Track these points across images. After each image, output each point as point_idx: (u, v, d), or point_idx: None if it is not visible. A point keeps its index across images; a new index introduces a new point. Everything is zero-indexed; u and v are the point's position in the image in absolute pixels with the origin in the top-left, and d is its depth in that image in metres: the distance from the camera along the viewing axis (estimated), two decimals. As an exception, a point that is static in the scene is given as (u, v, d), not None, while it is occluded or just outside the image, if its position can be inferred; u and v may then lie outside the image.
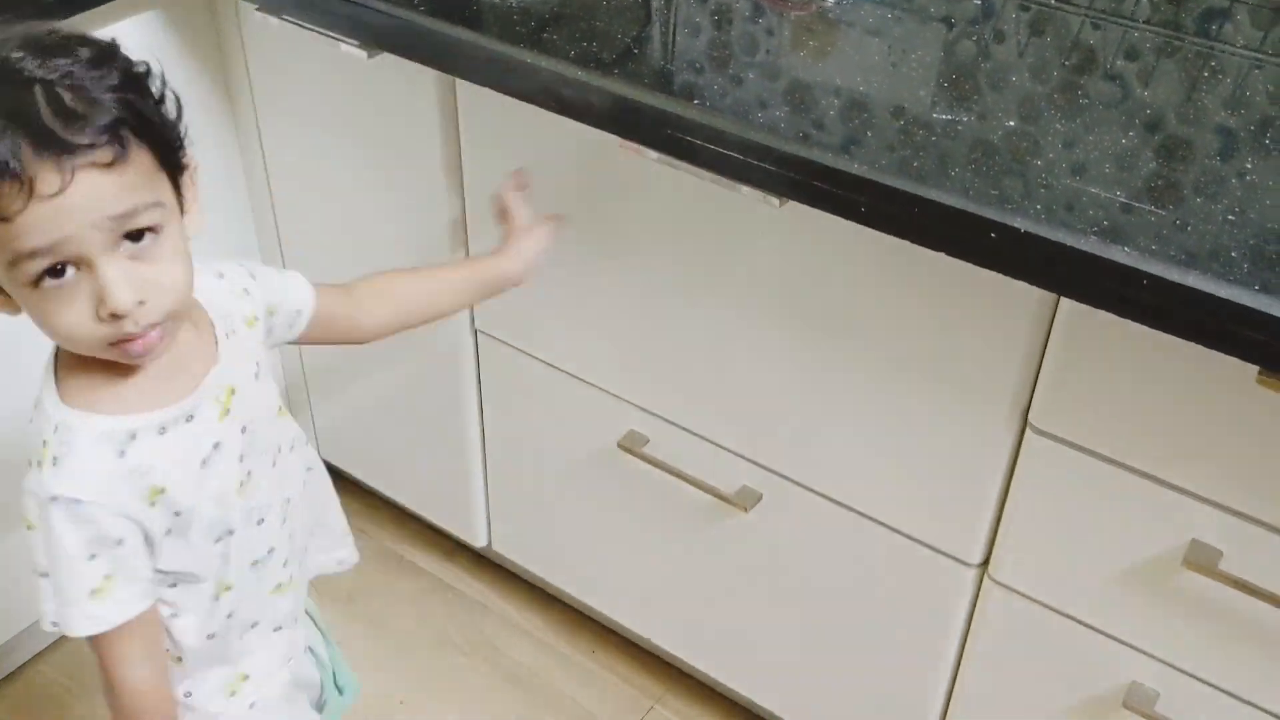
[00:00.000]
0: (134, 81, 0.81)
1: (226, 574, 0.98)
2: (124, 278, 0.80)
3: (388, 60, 1.24)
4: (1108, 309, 0.88)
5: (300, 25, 1.28)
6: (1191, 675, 1.09)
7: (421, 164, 1.37)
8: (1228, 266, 0.84)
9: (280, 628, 1.06)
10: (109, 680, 0.94)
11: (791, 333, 1.17)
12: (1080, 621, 1.13)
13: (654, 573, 1.51)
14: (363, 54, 1.27)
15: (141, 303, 0.81)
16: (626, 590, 1.58)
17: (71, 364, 0.88)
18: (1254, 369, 0.89)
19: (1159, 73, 1.09)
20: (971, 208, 0.90)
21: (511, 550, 1.69)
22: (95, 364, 0.86)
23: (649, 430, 1.37)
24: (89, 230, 0.78)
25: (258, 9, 1.31)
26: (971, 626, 1.23)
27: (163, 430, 0.89)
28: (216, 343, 0.94)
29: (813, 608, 1.36)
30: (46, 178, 0.75)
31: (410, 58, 1.20)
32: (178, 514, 0.91)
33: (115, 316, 0.80)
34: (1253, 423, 0.94)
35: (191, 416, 0.90)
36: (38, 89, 0.76)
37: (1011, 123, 1.00)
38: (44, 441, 0.86)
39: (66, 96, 0.77)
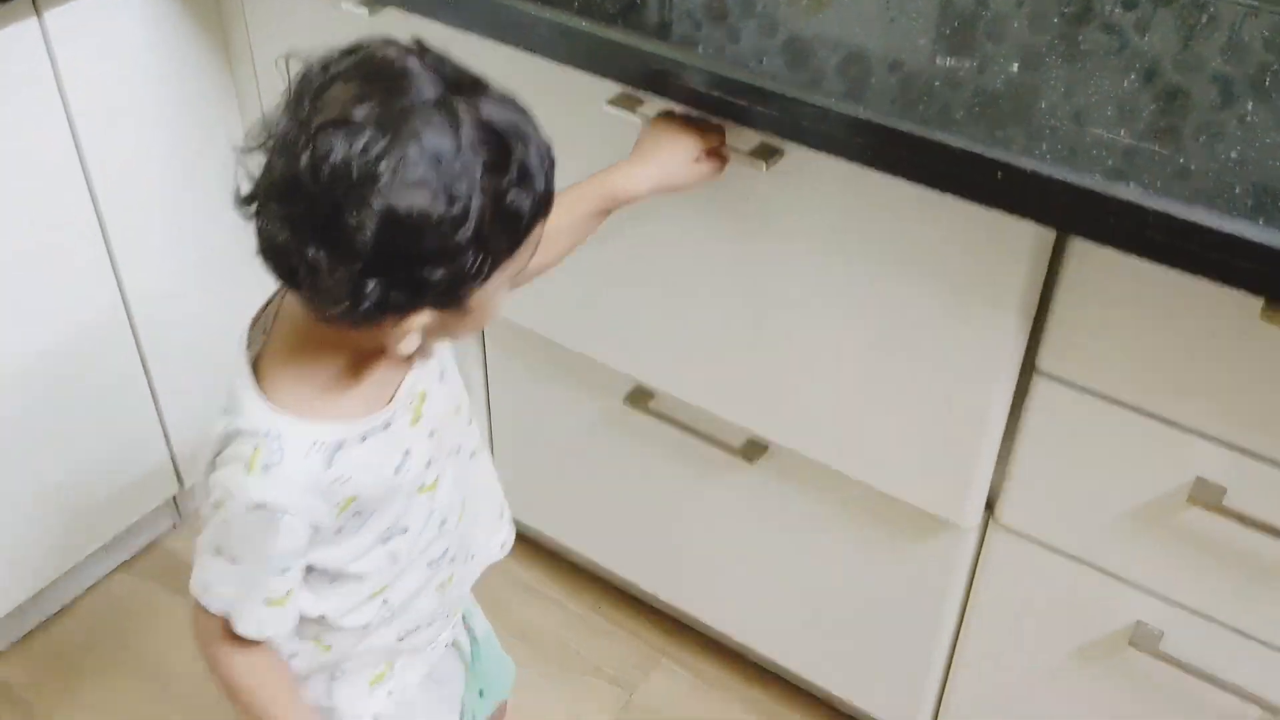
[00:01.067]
0: None
1: (390, 574, 0.97)
2: None
3: (390, 16, 1.25)
4: (1113, 245, 0.90)
5: (302, -17, 1.28)
6: (1196, 612, 1.11)
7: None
8: (1231, 202, 0.85)
9: (433, 623, 1.07)
10: (229, 668, 0.94)
11: (795, 288, 1.18)
12: (1085, 563, 1.15)
13: (658, 528, 1.52)
14: (364, 10, 1.27)
15: None
16: (631, 546, 1.59)
17: (281, 368, 0.88)
18: (1258, 304, 0.90)
19: (1157, 21, 1.09)
20: (978, 149, 0.91)
21: (517, 510, 1.70)
22: (313, 370, 0.87)
23: (655, 384, 1.38)
24: None
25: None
26: (976, 572, 1.25)
27: (363, 439, 0.88)
28: None
29: (817, 558, 1.38)
30: None
31: (410, 10, 1.20)
32: (358, 514, 0.91)
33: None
34: (1257, 358, 0.96)
35: (389, 424, 0.90)
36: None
37: (1014, 69, 1.01)
38: (255, 447, 0.85)
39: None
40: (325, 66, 0.80)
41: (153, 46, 1.44)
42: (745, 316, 1.24)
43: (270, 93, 1.51)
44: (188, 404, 1.66)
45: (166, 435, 1.66)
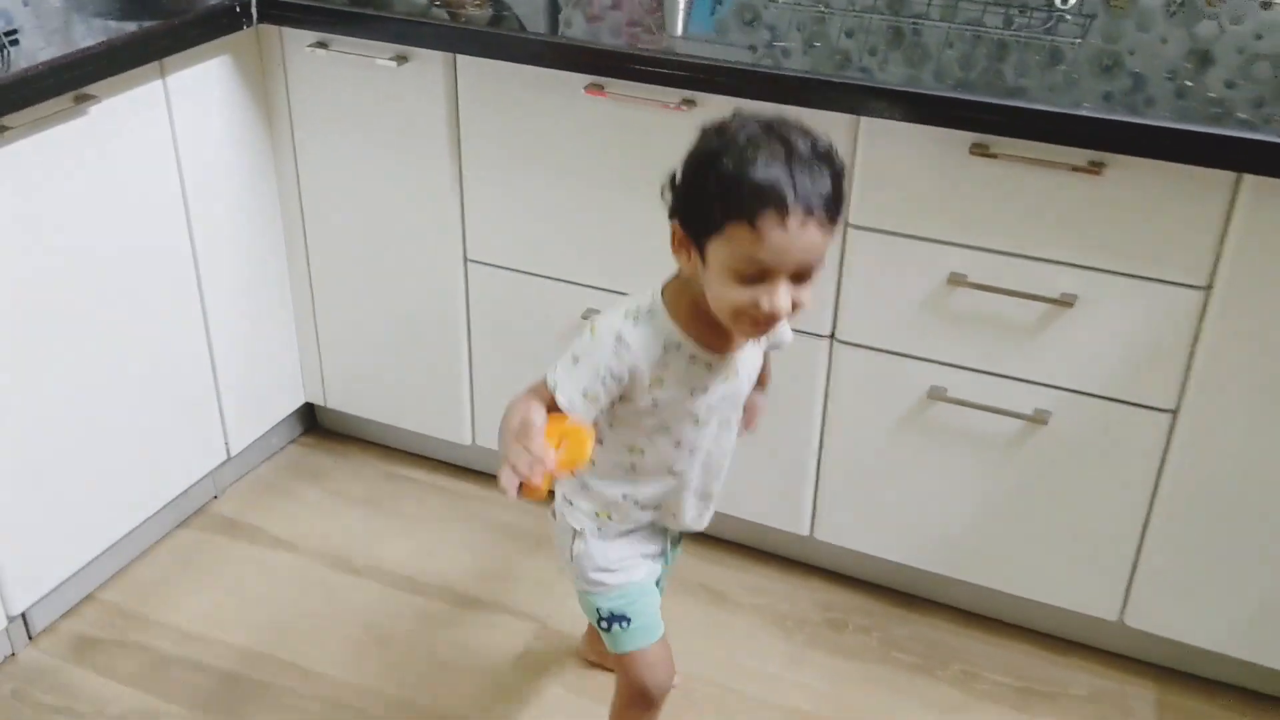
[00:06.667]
0: (840, 177, 1.24)
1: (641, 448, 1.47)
2: (786, 294, 1.25)
3: (409, 70, 1.90)
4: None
5: (342, 52, 1.92)
6: (964, 367, 1.80)
7: (429, 153, 2.01)
8: (938, 72, 1.59)
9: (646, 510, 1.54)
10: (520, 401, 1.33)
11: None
12: (894, 353, 1.83)
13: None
14: (393, 64, 1.92)
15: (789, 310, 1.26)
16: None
17: (677, 303, 1.36)
18: (969, 140, 1.62)
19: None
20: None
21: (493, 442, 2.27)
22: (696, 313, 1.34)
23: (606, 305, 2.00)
24: (792, 263, 1.23)
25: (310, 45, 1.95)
26: (829, 379, 1.90)
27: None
28: None
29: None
30: (798, 218, 1.20)
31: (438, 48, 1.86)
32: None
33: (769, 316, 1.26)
34: (970, 184, 1.67)
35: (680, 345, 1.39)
36: (812, 162, 1.22)
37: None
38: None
39: (815, 168, 1.22)
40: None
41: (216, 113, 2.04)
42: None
43: (305, 145, 2.11)
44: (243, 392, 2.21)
45: (221, 410, 2.19)
